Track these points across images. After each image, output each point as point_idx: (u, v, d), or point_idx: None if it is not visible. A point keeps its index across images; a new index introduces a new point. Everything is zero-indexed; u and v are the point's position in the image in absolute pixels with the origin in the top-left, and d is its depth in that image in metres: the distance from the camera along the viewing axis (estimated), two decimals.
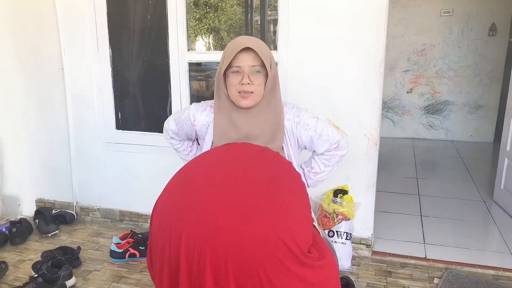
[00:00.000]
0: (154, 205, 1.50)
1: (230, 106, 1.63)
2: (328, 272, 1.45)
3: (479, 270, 2.43)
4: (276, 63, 2.50)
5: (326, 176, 1.87)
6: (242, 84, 1.54)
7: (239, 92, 1.56)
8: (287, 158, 1.68)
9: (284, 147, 1.69)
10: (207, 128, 1.70)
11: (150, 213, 1.52)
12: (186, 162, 1.63)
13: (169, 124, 1.86)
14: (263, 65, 1.56)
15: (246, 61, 1.54)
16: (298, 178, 1.57)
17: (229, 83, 1.57)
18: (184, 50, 2.70)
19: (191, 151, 1.96)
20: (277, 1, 2.48)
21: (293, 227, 1.34)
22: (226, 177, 1.40)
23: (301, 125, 1.67)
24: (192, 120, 1.73)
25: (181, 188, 1.44)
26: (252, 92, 1.56)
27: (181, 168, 1.57)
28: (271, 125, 1.63)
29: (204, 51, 2.74)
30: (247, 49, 1.53)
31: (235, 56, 1.54)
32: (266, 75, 1.58)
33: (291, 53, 2.49)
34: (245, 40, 1.55)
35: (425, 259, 2.55)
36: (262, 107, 1.62)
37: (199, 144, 1.89)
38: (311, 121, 1.68)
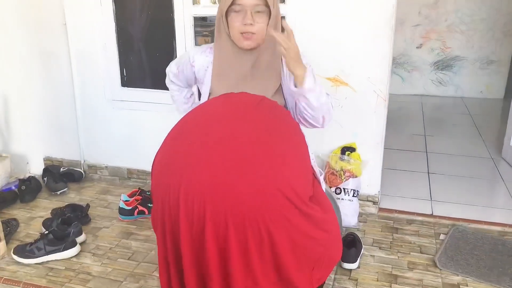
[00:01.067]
0: (153, 162, 1.51)
1: (231, 46, 1.60)
2: (329, 229, 1.47)
3: (485, 227, 2.45)
4: (283, 17, 2.43)
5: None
6: (245, 24, 1.50)
7: (241, 33, 1.52)
8: (284, 79, 1.64)
9: (282, 79, 1.64)
10: (206, 70, 1.68)
11: None
12: (181, 116, 1.61)
13: (171, 66, 1.86)
14: (266, 4, 1.51)
15: (248, 0, 1.49)
16: (296, 128, 1.56)
17: (231, 23, 1.53)
18: (189, 4, 2.62)
19: (187, 103, 1.96)
20: None
21: (290, 177, 1.35)
22: (222, 131, 1.39)
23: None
24: (191, 61, 1.71)
25: (177, 144, 1.44)
26: (254, 33, 1.52)
27: (178, 122, 1.55)
28: (270, 66, 1.61)
29: (208, 5, 2.65)
30: None
31: None
32: (269, 15, 1.53)
33: (299, 6, 2.40)
34: None
35: (431, 215, 2.57)
36: (263, 48, 1.59)
37: (199, 97, 1.86)
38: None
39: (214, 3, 2.68)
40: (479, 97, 5.47)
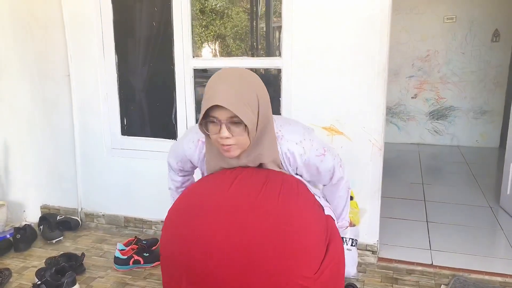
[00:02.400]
0: (162, 231, 1.50)
1: (217, 150, 1.48)
2: None
3: (487, 277, 2.41)
4: (279, 70, 2.51)
5: (341, 204, 1.77)
6: (221, 137, 1.35)
7: (221, 144, 1.39)
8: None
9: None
10: (203, 161, 1.60)
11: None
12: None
13: (170, 164, 1.78)
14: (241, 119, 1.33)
15: (222, 114, 1.32)
16: (308, 200, 1.49)
17: (210, 133, 1.39)
18: (189, 57, 2.71)
19: (182, 188, 1.88)
20: (281, 8, 2.49)
21: (305, 266, 1.32)
22: (231, 224, 1.32)
23: (300, 163, 1.52)
24: (189, 159, 1.64)
25: (184, 225, 1.39)
26: (234, 144, 1.38)
27: (182, 198, 1.52)
28: (267, 158, 1.48)
29: (209, 58, 2.75)
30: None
31: (210, 107, 1.34)
32: (246, 128, 1.36)
33: (295, 59, 2.49)
34: (219, 93, 1.31)
35: (431, 265, 2.53)
36: (255, 147, 1.45)
37: None
38: (313, 154, 1.53)
39: (215, 55, 2.78)
40: (475, 146, 5.55)
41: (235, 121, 1.33)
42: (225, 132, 1.33)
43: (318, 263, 1.36)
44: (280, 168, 1.51)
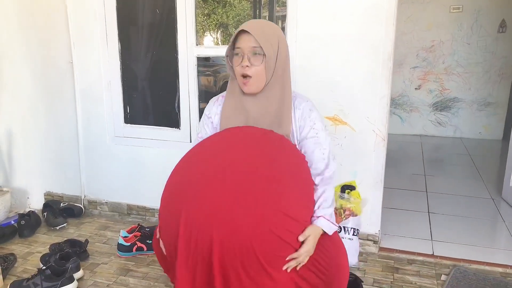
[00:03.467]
0: (163, 190, 1.56)
1: (239, 89, 1.64)
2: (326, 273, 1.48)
3: (487, 268, 2.42)
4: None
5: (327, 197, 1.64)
6: (242, 66, 1.54)
7: (242, 76, 1.57)
8: (293, 132, 1.66)
9: (291, 135, 1.66)
10: (219, 116, 1.72)
11: (157, 207, 1.57)
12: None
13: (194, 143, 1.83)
14: (261, 49, 1.54)
15: (246, 42, 1.53)
16: (301, 161, 1.57)
17: (234, 66, 1.59)
18: (192, 45, 2.70)
19: None
20: None
21: (290, 210, 1.39)
22: (224, 161, 1.43)
23: (309, 120, 1.64)
24: (208, 116, 1.75)
25: (183, 174, 1.50)
26: (251, 77, 1.55)
27: (186, 153, 1.61)
28: (279, 111, 1.61)
29: (212, 46, 2.74)
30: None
31: (237, 38, 1.55)
32: (264, 58, 1.55)
33: (299, 48, 2.48)
34: (248, 23, 1.55)
35: (432, 255, 2.54)
36: (271, 90, 1.61)
37: None
38: (319, 123, 1.64)
39: (217, 44, 2.77)
40: (478, 138, 5.53)
41: (256, 51, 1.52)
42: (246, 61, 1.53)
43: (304, 214, 1.47)
44: (287, 125, 1.61)
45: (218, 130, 1.71)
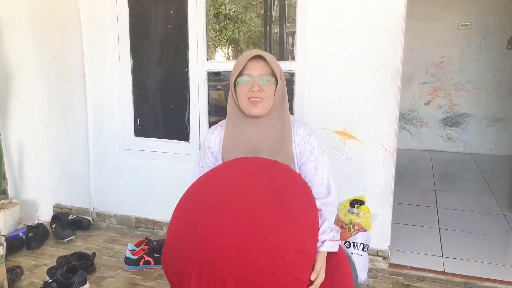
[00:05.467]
0: (169, 223, 1.53)
1: (240, 115, 1.63)
2: None
3: (500, 286, 2.37)
4: (293, 73, 2.52)
5: (330, 224, 1.61)
6: (252, 91, 1.56)
7: (248, 99, 1.57)
8: (295, 158, 1.66)
9: (292, 160, 1.65)
10: (219, 145, 1.71)
11: (166, 221, 1.55)
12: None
13: (195, 173, 1.81)
14: (272, 75, 1.58)
15: (256, 69, 1.57)
16: (307, 191, 1.55)
17: (239, 92, 1.59)
18: (203, 59, 2.74)
19: None
20: (295, 13, 2.50)
21: (300, 240, 1.36)
22: (233, 193, 1.41)
23: (308, 144, 1.64)
24: (208, 146, 1.73)
25: (191, 208, 1.46)
26: (262, 99, 1.57)
27: (191, 186, 1.59)
28: (280, 137, 1.62)
29: (222, 61, 2.76)
30: (258, 58, 1.58)
31: (246, 65, 1.57)
32: (276, 86, 1.60)
33: (308, 63, 2.50)
34: (253, 52, 1.60)
35: (443, 272, 2.50)
36: (272, 117, 1.62)
37: None
38: (317, 148, 1.65)
39: (228, 59, 2.79)
40: (488, 154, 5.48)
41: (266, 78, 1.57)
42: (256, 86, 1.55)
43: (313, 246, 1.44)
44: (289, 153, 1.62)
45: (218, 159, 1.71)
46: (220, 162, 1.69)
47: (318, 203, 1.58)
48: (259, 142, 1.62)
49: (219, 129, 1.72)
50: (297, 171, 1.65)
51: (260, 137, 1.62)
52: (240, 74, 1.58)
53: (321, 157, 1.65)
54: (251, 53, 1.58)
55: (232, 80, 1.60)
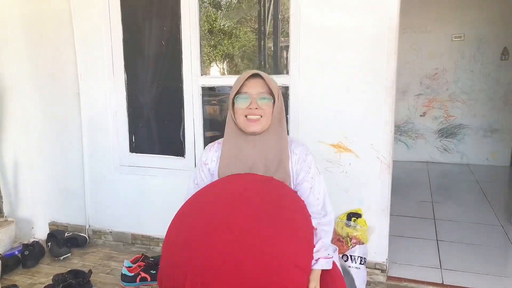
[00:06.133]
0: (164, 239, 1.52)
1: (238, 133, 1.65)
2: None
3: None
4: (287, 87, 2.53)
5: (325, 243, 1.60)
6: (250, 108, 1.58)
7: (246, 117, 1.59)
8: (292, 175, 1.66)
9: (289, 179, 1.66)
10: (216, 163, 1.71)
11: (162, 237, 1.54)
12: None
13: (188, 191, 1.80)
14: (270, 93, 1.60)
15: (254, 88, 1.59)
16: (302, 207, 1.56)
17: (237, 109, 1.61)
18: (197, 75, 2.75)
19: None
20: (289, 27, 2.52)
21: (296, 255, 1.36)
22: (229, 208, 1.42)
23: (305, 164, 1.65)
24: (205, 162, 1.73)
25: (186, 225, 1.46)
26: (260, 116, 1.59)
27: (187, 201, 1.60)
28: (277, 155, 1.63)
29: (217, 76, 2.77)
30: (256, 76, 1.60)
31: (244, 83, 1.60)
32: (273, 104, 1.62)
33: (302, 76, 2.51)
34: (251, 71, 1.63)
35: (442, 285, 2.48)
36: (269, 136, 1.64)
37: None
38: (314, 168, 1.66)
39: (223, 74, 2.80)
40: (485, 164, 5.49)
41: (264, 96, 1.59)
42: (254, 104, 1.58)
43: (308, 261, 1.45)
44: (285, 169, 1.62)
45: (214, 176, 1.71)
46: (216, 179, 1.69)
47: (314, 222, 1.58)
48: (257, 159, 1.62)
49: (217, 146, 1.73)
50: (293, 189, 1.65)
51: (258, 154, 1.63)
52: (238, 92, 1.60)
53: (317, 177, 1.66)
54: (250, 72, 1.61)
55: (231, 97, 1.62)
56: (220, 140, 1.74)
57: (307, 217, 1.54)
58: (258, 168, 1.61)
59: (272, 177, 1.58)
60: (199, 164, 1.76)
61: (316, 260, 1.49)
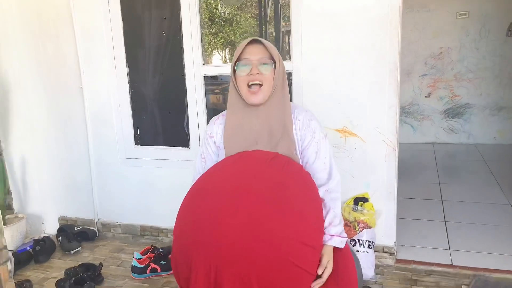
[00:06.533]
0: (175, 224, 1.53)
1: (241, 103, 1.64)
2: None
3: (509, 276, 2.35)
4: (290, 73, 2.51)
5: (336, 213, 1.60)
6: (251, 74, 1.56)
7: (248, 86, 1.58)
8: (297, 142, 1.65)
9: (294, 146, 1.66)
10: (222, 135, 1.71)
11: (171, 227, 1.55)
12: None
13: (197, 167, 1.80)
14: (271, 58, 1.58)
15: (254, 54, 1.58)
16: (309, 182, 1.56)
17: (239, 77, 1.59)
18: (199, 64, 2.73)
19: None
20: (290, 12, 2.49)
21: (305, 235, 1.36)
22: (236, 191, 1.42)
23: (309, 129, 1.64)
24: (210, 135, 1.74)
25: (195, 207, 1.47)
26: (261, 85, 1.57)
27: (193, 185, 1.60)
28: (281, 123, 1.62)
29: (219, 64, 2.76)
30: (255, 42, 1.59)
31: (244, 50, 1.58)
32: (274, 70, 1.59)
33: (305, 61, 2.49)
34: (252, 38, 1.62)
35: (451, 266, 2.48)
36: (272, 104, 1.62)
37: None
38: (318, 132, 1.65)
39: (225, 62, 2.78)
40: (492, 143, 5.44)
41: (264, 61, 1.57)
42: (255, 69, 1.56)
43: (318, 238, 1.45)
44: (290, 137, 1.62)
45: (220, 149, 1.71)
46: (222, 151, 1.69)
47: (321, 191, 1.58)
48: (260, 129, 1.62)
49: (221, 118, 1.73)
50: (299, 156, 1.65)
51: (262, 124, 1.62)
52: (239, 59, 1.59)
53: (323, 141, 1.65)
54: (249, 38, 1.60)
55: (232, 66, 1.62)
56: (224, 112, 1.74)
57: (315, 192, 1.54)
58: (263, 138, 1.61)
59: (277, 152, 1.57)
60: (205, 138, 1.77)
61: (331, 236, 1.50)
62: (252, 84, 1.57)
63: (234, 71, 1.62)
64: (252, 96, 1.58)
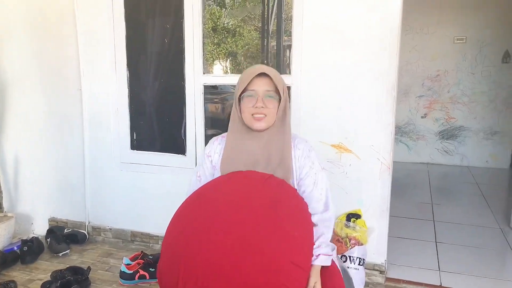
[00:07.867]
0: (164, 237, 1.54)
1: (243, 129, 1.65)
2: None
3: None
4: (289, 87, 2.53)
5: (326, 239, 1.61)
6: (256, 107, 1.58)
7: (252, 115, 1.59)
8: (294, 172, 1.66)
9: (292, 174, 1.66)
10: (219, 155, 1.72)
11: (162, 234, 1.55)
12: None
13: (192, 183, 1.80)
14: (276, 91, 1.60)
15: (261, 85, 1.59)
16: (302, 205, 1.57)
17: (244, 106, 1.61)
18: (199, 73, 2.75)
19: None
20: (291, 27, 2.52)
21: (295, 255, 1.37)
22: (228, 208, 1.42)
23: (309, 159, 1.66)
24: (207, 153, 1.75)
25: (186, 223, 1.47)
26: (265, 115, 1.59)
27: (185, 200, 1.60)
28: (279, 150, 1.63)
29: (219, 75, 2.78)
30: (262, 74, 1.59)
31: (251, 81, 1.59)
32: (279, 102, 1.62)
33: (304, 76, 2.51)
34: (261, 67, 1.62)
35: (440, 286, 2.49)
36: (273, 132, 1.64)
37: None
38: (317, 164, 1.67)
39: (226, 72, 2.79)
40: (485, 167, 5.49)
41: (270, 94, 1.59)
42: (260, 102, 1.58)
43: (307, 259, 1.46)
44: (287, 165, 1.62)
45: (216, 169, 1.71)
46: (218, 172, 1.69)
47: (315, 219, 1.59)
48: (259, 155, 1.63)
49: (221, 139, 1.75)
50: (296, 186, 1.66)
51: (260, 150, 1.63)
52: (245, 89, 1.60)
53: (320, 173, 1.66)
54: (257, 70, 1.61)
55: (237, 95, 1.62)
56: (225, 134, 1.75)
57: (306, 214, 1.55)
58: (260, 163, 1.62)
59: (272, 174, 1.58)
60: (203, 157, 1.77)
61: (317, 256, 1.50)
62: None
63: (239, 99, 1.63)
64: (256, 122, 1.60)
